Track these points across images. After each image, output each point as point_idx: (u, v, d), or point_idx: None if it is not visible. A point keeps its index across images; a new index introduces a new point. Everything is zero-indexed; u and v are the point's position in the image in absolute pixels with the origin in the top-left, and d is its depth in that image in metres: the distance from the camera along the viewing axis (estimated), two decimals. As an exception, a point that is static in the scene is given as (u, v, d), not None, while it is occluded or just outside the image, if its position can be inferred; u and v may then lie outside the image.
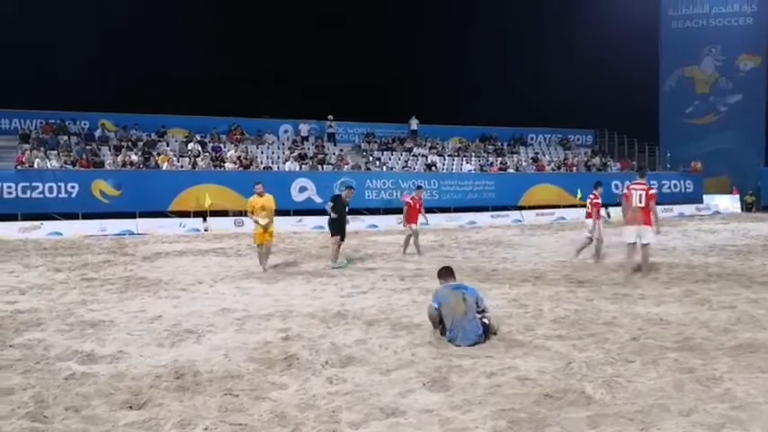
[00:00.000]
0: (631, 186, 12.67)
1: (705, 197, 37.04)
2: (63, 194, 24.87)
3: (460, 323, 7.27)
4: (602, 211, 15.58)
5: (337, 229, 15.25)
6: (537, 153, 38.83)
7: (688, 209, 35.10)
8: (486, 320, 7.46)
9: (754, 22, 41.64)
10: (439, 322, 7.54)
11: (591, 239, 15.34)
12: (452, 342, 7.24)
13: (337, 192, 18.38)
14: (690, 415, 5.05)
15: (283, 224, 26.52)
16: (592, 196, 15.46)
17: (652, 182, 30.82)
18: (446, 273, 8.16)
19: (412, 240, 17.09)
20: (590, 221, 15.36)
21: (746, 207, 37.54)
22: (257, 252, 14.46)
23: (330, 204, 15.55)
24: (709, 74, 42.63)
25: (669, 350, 6.91)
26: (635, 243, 12.54)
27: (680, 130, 42.13)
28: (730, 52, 41.88)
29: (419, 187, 18.60)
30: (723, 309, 9.07)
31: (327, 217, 15.77)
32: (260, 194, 14.16)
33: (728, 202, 37.65)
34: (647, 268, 12.54)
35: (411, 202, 17.27)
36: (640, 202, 12.30)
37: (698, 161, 37.75)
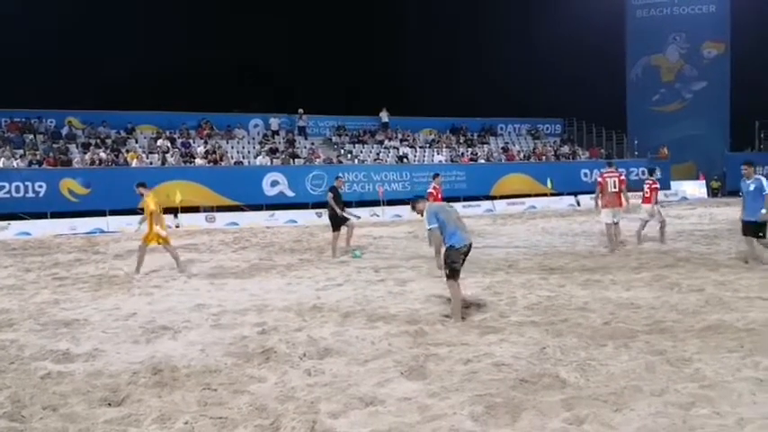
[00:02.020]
0: (605, 175, 14.72)
1: (672, 183, 37.53)
2: (30, 194, 24.48)
3: (459, 225, 8.14)
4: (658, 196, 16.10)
5: (337, 221, 15.24)
6: (507, 143, 39.08)
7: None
8: None
9: (717, 10, 42.22)
10: (437, 246, 8.03)
11: (645, 223, 15.77)
12: (464, 242, 8.03)
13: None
14: (661, 395, 5.19)
15: (256, 219, 26.48)
16: (650, 181, 16.01)
17: (621, 169, 31.46)
18: (419, 198, 8.57)
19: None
20: (648, 206, 15.79)
21: (712, 192, 38.16)
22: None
23: (330, 196, 15.42)
24: (674, 62, 43.18)
25: (640, 333, 7.07)
26: (612, 222, 14.51)
27: (647, 117, 42.64)
28: (694, 40, 42.44)
29: (436, 174, 17.46)
30: (692, 292, 9.28)
31: (327, 211, 15.64)
32: (142, 195, 13.64)
33: (695, 188, 38.24)
34: (620, 242, 14.72)
35: (433, 191, 16.65)
36: (615, 187, 14.49)
37: (665, 147, 38.26)
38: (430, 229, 8.09)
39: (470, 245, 8.23)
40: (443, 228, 7.99)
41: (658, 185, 16.24)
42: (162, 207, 13.64)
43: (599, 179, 15.03)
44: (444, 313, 8.35)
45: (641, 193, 16.37)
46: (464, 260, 8.21)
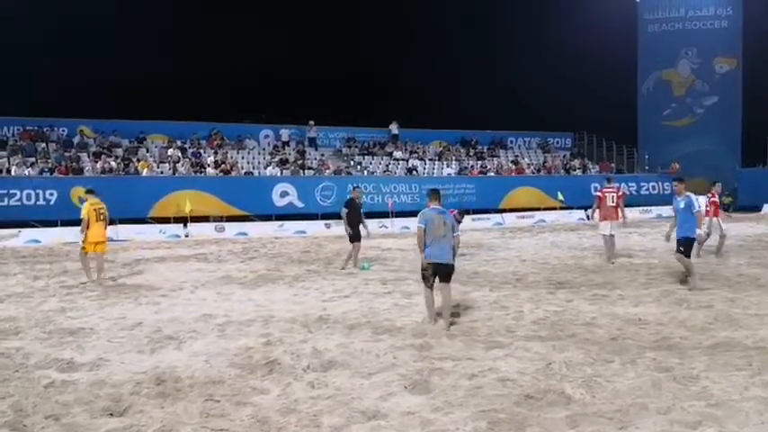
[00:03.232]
0: (604, 190, 15.70)
1: (683, 198, 37.31)
2: (41, 202, 24.60)
3: (439, 242, 8.53)
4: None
5: (354, 233, 15.09)
6: (517, 156, 39.03)
7: (666, 210, 35.32)
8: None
9: (729, 25, 42.12)
10: (420, 242, 8.74)
11: (708, 235, 15.78)
12: (428, 258, 8.54)
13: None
14: (668, 413, 5.13)
15: (265, 229, 26.51)
16: (710, 194, 16.34)
17: (631, 183, 31.81)
18: (434, 195, 9.01)
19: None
20: (715, 220, 16.08)
21: (724, 208, 37.93)
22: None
23: (344, 211, 15.26)
24: (686, 76, 43.05)
25: (647, 350, 7.01)
26: (609, 234, 15.34)
27: (657, 132, 42.49)
28: (706, 55, 42.33)
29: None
30: (700, 308, 9.21)
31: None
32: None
33: (706, 204, 38.01)
34: (615, 253, 15.44)
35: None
36: (612, 202, 15.43)
37: (676, 162, 38.09)
38: (418, 227, 8.76)
39: (438, 264, 8.59)
40: (426, 233, 8.59)
41: (717, 199, 16.44)
42: (102, 215, 13.60)
43: (598, 194, 16.00)
44: (450, 329, 8.30)
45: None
46: (437, 273, 8.63)
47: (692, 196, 11.42)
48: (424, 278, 8.73)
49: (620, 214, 15.67)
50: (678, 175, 12.72)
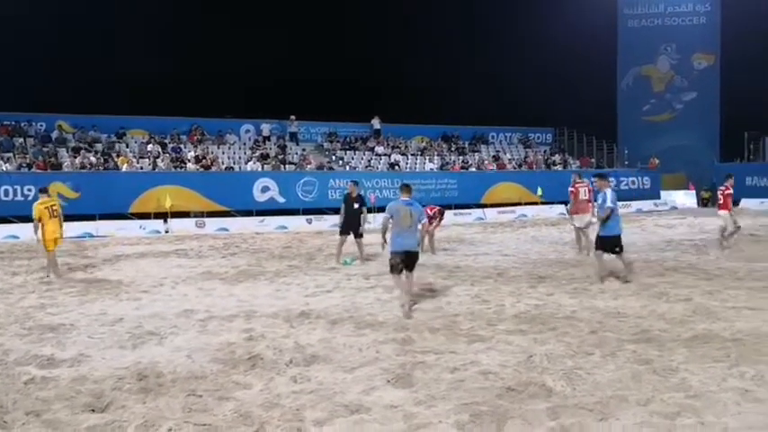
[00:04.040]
0: (577, 185, 16.09)
1: (662, 193, 37.70)
2: (19, 197, 24.29)
3: (405, 232, 9.15)
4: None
5: (341, 226, 15.37)
6: (498, 151, 39.15)
7: (646, 204, 35.70)
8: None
9: (708, 21, 42.59)
10: (383, 231, 9.61)
11: (724, 230, 16.19)
12: (396, 248, 9.14)
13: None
14: (647, 405, 5.20)
15: (246, 225, 26.41)
16: (723, 188, 16.44)
17: (611, 178, 31.87)
18: (405, 188, 9.70)
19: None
20: (724, 212, 16.18)
21: (702, 202, 38.30)
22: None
23: (342, 206, 15.58)
24: (665, 72, 43.47)
25: (627, 342, 7.08)
26: (582, 227, 15.69)
27: (637, 127, 42.90)
28: (685, 51, 42.77)
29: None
30: (679, 301, 9.31)
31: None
32: None
33: (685, 198, 38.39)
34: (590, 245, 14.57)
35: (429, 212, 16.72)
36: (585, 196, 15.89)
37: (655, 157, 38.45)
38: (384, 217, 9.43)
39: (406, 252, 9.19)
40: (394, 224, 9.25)
41: (732, 191, 16.49)
42: (55, 212, 13.59)
43: (571, 189, 16.21)
44: (432, 323, 8.34)
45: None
46: (405, 261, 9.20)
47: (608, 193, 11.45)
48: (393, 267, 9.27)
49: (591, 207, 15.68)
50: (600, 171, 12.82)
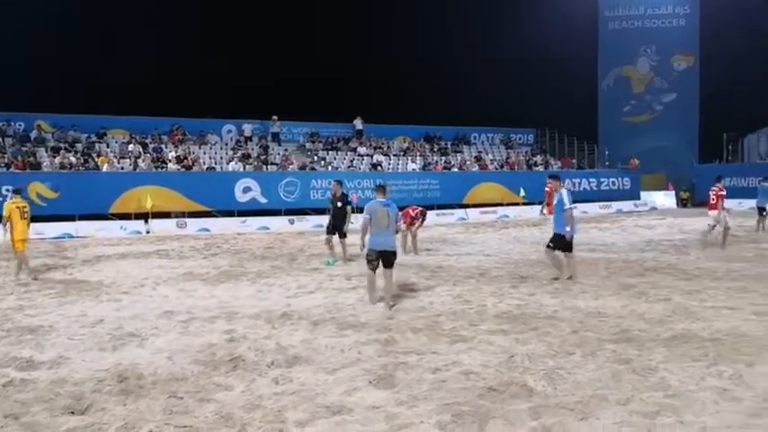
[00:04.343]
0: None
1: (642, 194, 38.02)
2: (-3, 197, 24.08)
3: (383, 232, 9.56)
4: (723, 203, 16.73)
5: (327, 226, 15.56)
6: (480, 152, 39.29)
7: (626, 205, 35.97)
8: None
9: (687, 24, 43.01)
10: (363, 232, 10.00)
11: (713, 227, 16.60)
12: (373, 246, 9.56)
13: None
14: (627, 404, 5.24)
15: (228, 225, 26.30)
16: (716, 189, 16.69)
17: (591, 179, 32.72)
18: (380, 189, 10.09)
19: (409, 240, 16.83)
20: (714, 212, 16.50)
21: (682, 203, 38.68)
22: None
23: (330, 206, 15.85)
24: (645, 73, 43.85)
25: (607, 342, 7.13)
26: None
27: (618, 128, 43.24)
28: (664, 52, 43.16)
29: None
30: (659, 301, 9.40)
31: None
32: None
33: (664, 199, 38.73)
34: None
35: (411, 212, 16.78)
36: None
37: (635, 158, 38.77)
38: (363, 218, 9.80)
39: (383, 251, 9.60)
40: (372, 224, 9.64)
41: (725, 192, 16.84)
42: (26, 214, 13.81)
43: (547, 189, 16.18)
44: (414, 324, 8.35)
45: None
46: (381, 258, 9.60)
47: (564, 193, 11.60)
48: (369, 262, 9.71)
49: None
50: (553, 173, 13.11)
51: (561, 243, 11.58)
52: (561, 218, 11.56)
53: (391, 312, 9.09)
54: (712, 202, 16.58)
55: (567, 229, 11.41)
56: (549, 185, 16.24)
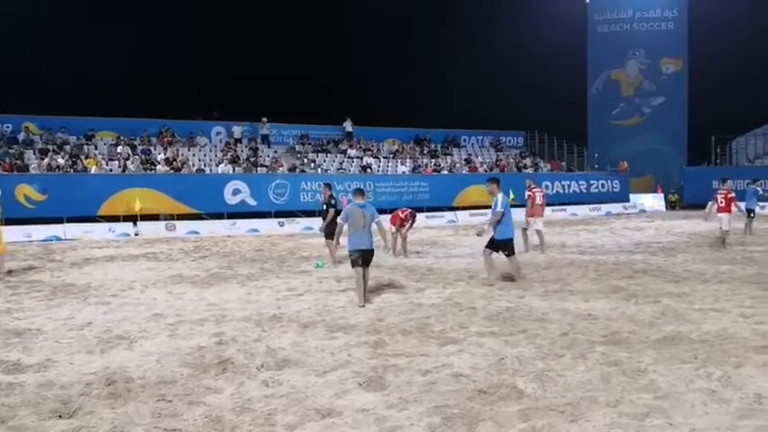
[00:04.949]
0: (534, 190, 17.34)
1: (631, 196, 38.21)
2: (-16, 200, 23.91)
3: (360, 233, 10.25)
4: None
5: (321, 228, 15.82)
6: (470, 154, 39.36)
7: (615, 207, 36.13)
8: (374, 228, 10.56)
9: (675, 27, 43.23)
10: (338, 234, 11.71)
11: (727, 231, 17.06)
12: (353, 247, 10.21)
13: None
14: (616, 406, 5.24)
15: (217, 227, 26.23)
16: (724, 191, 17.25)
17: (581, 181, 33.09)
18: (358, 193, 10.85)
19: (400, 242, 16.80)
20: (725, 215, 17.00)
21: (670, 205, 38.87)
22: None
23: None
24: (634, 77, 44.04)
25: (597, 344, 7.15)
26: (539, 229, 17.06)
27: (607, 131, 43.40)
28: (653, 56, 43.38)
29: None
30: (648, 303, 9.42)
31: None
32: None
33: (653, 201, 38.91)
34: (544, 246, 16.80)
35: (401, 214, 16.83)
36: (540, 201, 17.26)
37: (624, 161, 38.94)
38: (338, 222, 10.93)
39: (361, 250, 10.18)
40: (350, 225, 10.38)
41: (734, 194, 17.33)
42: None
43: (529, 193, 17.40)
44: (404, 326, 8.34)
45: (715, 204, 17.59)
46: (363, 258, 10.17)
47: (499, 197, 11.81)
48: (353, 262, 10.25)
49: (544, 211, 17.84)
50: (492, 175, 13.59)
51: (500, 246, 11.88)
52: (506, 221, 11.80)
53: (363, 301, 9.83)
54: (721, 204, 17.09)
55: (486, 227, 12.12)
56: (534, 190, 17.27)
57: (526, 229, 17.13)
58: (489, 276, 11.91)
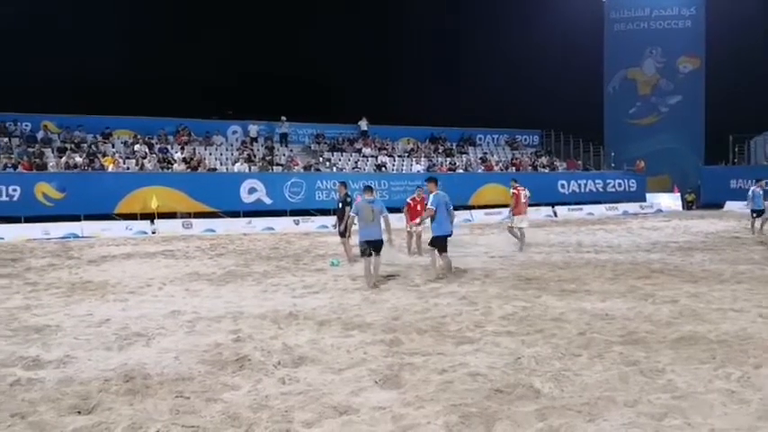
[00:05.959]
0: (519, 189, 17.62)
1: (648, 195, 37.96)
2: (4, 198, 24.15)
3: (369, 225, 11.55)
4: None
5: (338, 229, 15.95)
6: (485, 153, 39.25)
7: (632, 207, 35.94)
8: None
9: (693, 25, 42.83)
10: (349, 226, 13.22)
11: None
12: (363, 238, 11.56)
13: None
14: (634, 406, 5.21)
15: (233, 226, 26.34)
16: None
17: (597, 180, 33.03)
18: (367, 189, 12.04)
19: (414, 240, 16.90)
20: None
21: (687, 205, 38.59)
22: None
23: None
24: (651, 75, 43.69)
25: (614, 344, 7.11)
26: (523, 226, 17.58)
27: (623, 130, 43.09)
28: (670, 54, 43.00)
29: (419, 187, 17.92)
30: (665, 303, 9.35)
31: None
32: None
33: (670, 201, 38.63)
34: (524, 244, 17.32)
35: (411, 203, 17.04)
36: (524, 199, 17.65)
37: (641, 160, 38.68)
38: (350, 215, 12.50)
39: (371, 240, 11.49)
40: (359, 219, 11.66)
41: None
42: None
43: (514, 191, 17.61)
44: (419, 325, 8.34)
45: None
46: (372, 246, 11.47)
47: (431, 196, 12.50)
48: (363, 252, 11.51)
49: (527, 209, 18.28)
50: (430, 175, 14.48)
51: (435, 243, 12.47)
52: (438, 219, 12.37)
53: (372, 287, 11.05)
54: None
55: (417, 221, 14.49)
56: (519, 189, 17.52)
57: (512, 227, 17.67)
58: (435, 271, 12.60)
